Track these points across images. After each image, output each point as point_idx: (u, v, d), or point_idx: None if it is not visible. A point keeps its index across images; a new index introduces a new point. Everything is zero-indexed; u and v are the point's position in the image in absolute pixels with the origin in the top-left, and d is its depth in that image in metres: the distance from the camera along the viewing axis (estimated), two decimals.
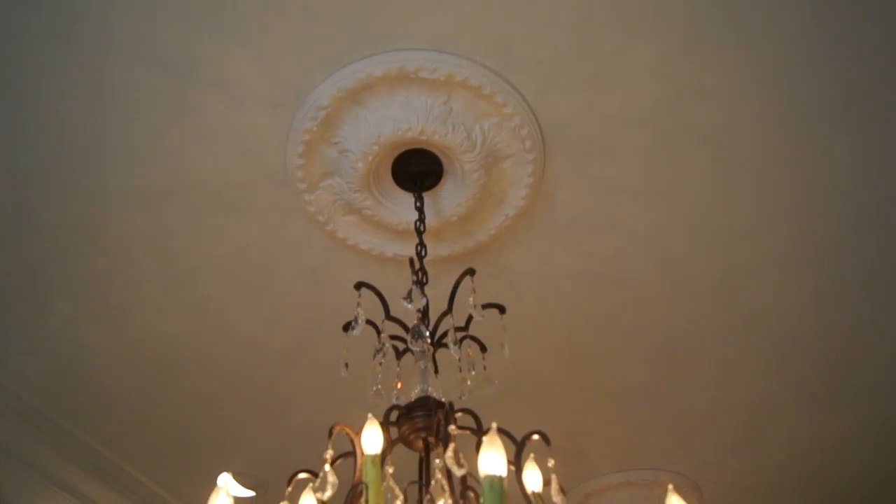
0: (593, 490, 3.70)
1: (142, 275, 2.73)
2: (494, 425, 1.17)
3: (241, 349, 3.03)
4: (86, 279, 2.73)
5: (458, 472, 1.30)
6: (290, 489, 1.54)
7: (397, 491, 1.43)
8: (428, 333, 1.76)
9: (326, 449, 1.42)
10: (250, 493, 3.69)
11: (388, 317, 1.85)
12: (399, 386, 1.81)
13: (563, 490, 1.51)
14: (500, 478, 1.06)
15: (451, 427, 1.33)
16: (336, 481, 1.37)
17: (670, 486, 1.41)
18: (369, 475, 1.33)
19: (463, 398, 1.77)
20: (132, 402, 3.26)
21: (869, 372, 3.27)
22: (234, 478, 3.55)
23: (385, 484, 1.44)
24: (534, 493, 1.46)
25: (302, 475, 1.57)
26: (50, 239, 2.57)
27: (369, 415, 1.45)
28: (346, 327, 1.88)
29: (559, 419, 3.38)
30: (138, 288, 2.78)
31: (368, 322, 1.86)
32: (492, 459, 1.08)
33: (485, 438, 1.11)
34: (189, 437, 3.43)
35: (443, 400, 1.66)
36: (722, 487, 3.86)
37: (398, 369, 1.88)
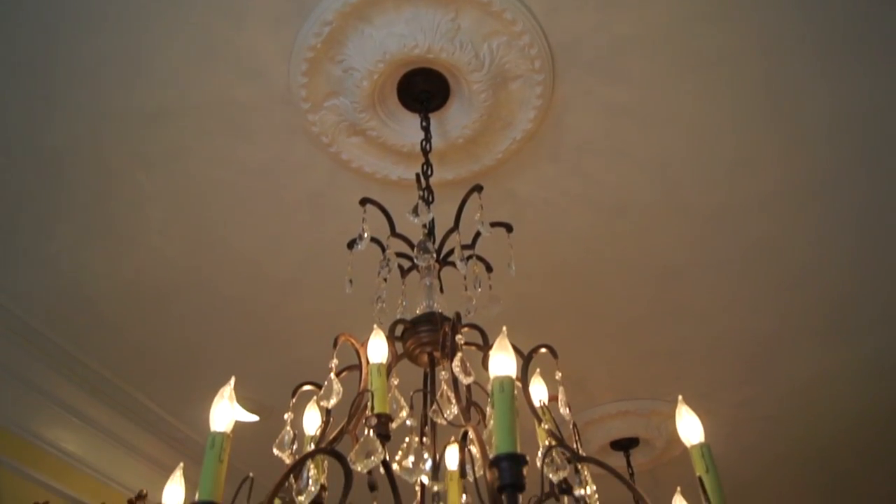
0: (592, 419, 3.73)
1: (143, 198, 2.69)
2: (504, 329, 1.16)
3: (244, 274, 3.02)
4: (86, 202, 2.69)
5: (466, 381, 1.29)
6: (294, 401, 1.53)
7: (402, 401, 1.43)
8: (434, 249, 1.74)
9: (331, 359, 1.41)
10: (254, 418, 3.72)
11: (394, 233, 1.83)
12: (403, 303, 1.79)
13: (569, 405, 1.50)
14: (511, 379, 1.05)
15: (458, 336, 1.31)
16: (340, 390, 1.37)
17: (680, 398, 1.39)
18: (374, 383, 1.32)
19: (469, 315, 1.76)
20: (135, 326, 3.26)
21: (873, 305, 3.27)
22: (238, 401, 3.58)
23: (390, 395, 1.43)
24: (541, 406, 1.45)
25: (307, 387, 1.56)
26: (49, 162, 2.53)
27: (374, 325, 1.44)
28: (351, 244, 1.86)
29: (559, 348, 3.32)
30: (139, 211, 2.75)
31: (373, 240, 1.83)
32: (501, 361, 1.07)
33: (495, 342, 1.10)
34: (192, 362, 3.44)
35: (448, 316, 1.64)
36: (721, 420, 3.89)
37: (403, 287, 1.86)
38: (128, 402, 3.64)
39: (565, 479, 1.26)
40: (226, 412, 1.24)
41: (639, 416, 3.70)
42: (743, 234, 2.90)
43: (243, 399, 3.60)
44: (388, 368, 1.63)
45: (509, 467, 0.94)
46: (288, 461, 1.40)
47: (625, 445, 3.87)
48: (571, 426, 1.46)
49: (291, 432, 1.46)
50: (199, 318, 3.23)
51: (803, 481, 4.50)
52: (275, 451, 1.44)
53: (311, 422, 1.57)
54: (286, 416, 1.51)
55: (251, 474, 1.10)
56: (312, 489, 1.25)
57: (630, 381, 3.64)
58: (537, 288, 3.11)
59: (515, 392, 1.04)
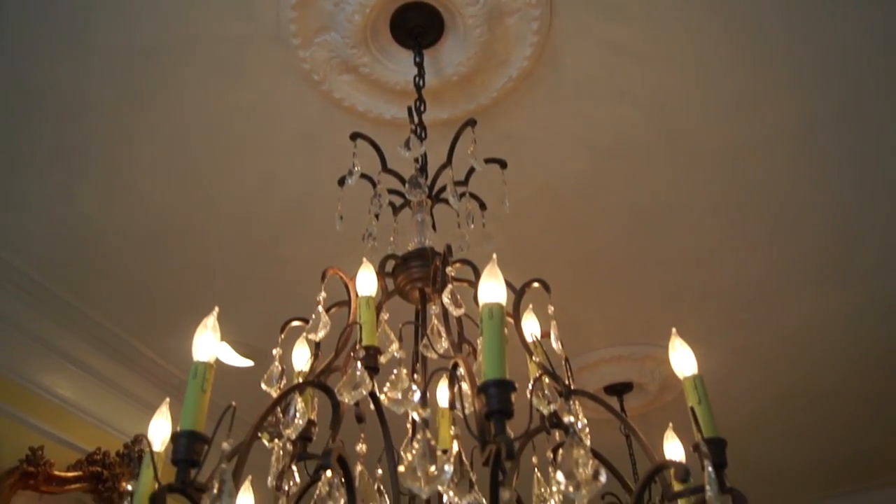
0: (586, 364, 3.73)
1: (132, 138, 2.64)
2: (494, 256, 1.12)
3: (235, 216, 2.98)
4: (74, 144, 2.64)
5: (456, 313, 1.26)
6: (282, 336, 1.51)
7: (392, 336, 1.40)
8: (425, 185, 1.70)
9: (319, 292, 1.38)
10: (249, 363, 3.71)
11: (385, 169, 1.79)
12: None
13: (560, 340, 1.48)
14: (500, 305, 1.02)
15: (448, 269, 1.28)
16: (328, 322, 1.34)
17: (673, 330, 1.36)
18: (363, 316, 1.30)
19: (462, 252, 1.73)
20: (128, 270, 3.23)
21: (869, 250, 3.24)
22: (232, 346, 3.57)
23: (380, 329, 1.40)
24: (534, 341, 1.43)
25: (296, 323, 1.54)
26: (36, 103, 2.47)
27: (363, 259, 1.41)
28: (342, 181, 1.82)
29: (554, 292, 3.34)
30: (129, 152, 2.70)
31: (364, 176, 1.79)
32: (491, 289, 1.04)
33: (485, 270, 1.06)
34: (187, 307, 3.42)
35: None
36: (716, 365, 3.89)
37: (395, 225, 1.83)
38: (122, 347, 3.63)
39: (555, 413, 1.25)
40: (208, 342, 1.21)
41: (633, 361, 3.70)
42: (740, 176, 2.86)
43: (238, 344, 3.60)
44: (380, 305, 1.61)
45: (497, 393, 0.91)
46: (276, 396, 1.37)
47: (619, 390, 3.88)
48: (563, 361, 1.43)
49: (280, 368, 1.44)
50: (192, 263, 3.20)
51: (799, 427, 4.53)
52: (263, 386, 1.42)
53: (300, 357, 1.54)
54: (275, 351, 1.48)
55: (233, 403, 1.08)
56: (299, 423, 1.23)
57: (624, 326, 3.63)
58: (532, 231, 3.07)
59: (505, 322, 1.01)
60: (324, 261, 3.06)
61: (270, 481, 1.33)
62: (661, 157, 2.77)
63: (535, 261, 3.19)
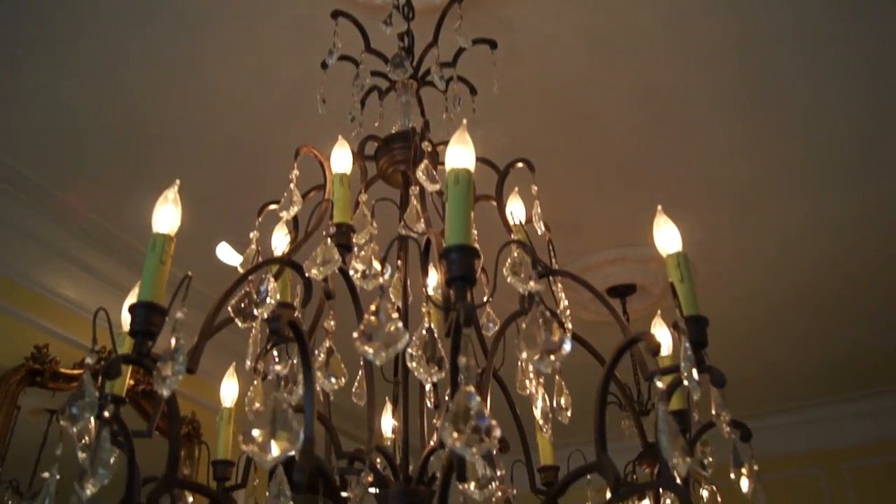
0: (588, 265, 3.69)
1: (116, 29, 2.54)
2: (465, 121, 1.06)
3: (226, 111, 2.90)
4: (56, 35, 2.55)
5: (431, 188, 1.21)
6: (259, 220, 1.46)
7: (370, 217, 1.35)
8: (410, 66, 1.62)
9: (292, 170, 1.33)
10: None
11: (368, 49, 1.70)
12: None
13: (547, 226, 1.43)
14: (467, 171, 0.96)
15: (425, 143, 1.22)
16: (300, 200, 1.29)
17: (659, 207, 1.31)
18: (336, 193, 1.24)
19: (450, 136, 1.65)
20: (121, 168, 3.18)
21: (874, 154, 3.14)
22: (233, 246, 3.55)
23: (358, 211, 1.36)
24: (517, 224, 1.38)
25: (273, 206, 1.49)
26: None
27: (339, 136, 1.34)
28: (324, 64, 1.74)
29: (555, 192, 3.29)
30: (113, 43, 2.61)
31: (346, 58, 1.71)
32: (458, 154, 0.98)
33: (454, 135, 1.00)
34: (183, 205, 3.37)
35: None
36: (718, 267, 3.84)
37: (381, 109, 1.76)
38: (120, 246, 3.62)
39: (534, 293, 1.21)
40: (169, 214, 1.17)
41: (636, 262, 3.64)
42: (748, 72, 2.74)
43: (238, 245, 3.57)
44: (368, 185, 1.56)
45: (459, 259, 0.86)
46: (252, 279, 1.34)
47: (621, 292, 3.85)
48: (547, 243, 1.38)
49: (256, 250, 1.40)
50: (184, 161, 3.14)
51: (802, 332, 4.51)
52: (239, 269, 1.38)
53: (280, 241, 1.50)
54: (252, 234, 1.44)
55: (189, 273, 1.04)
56: (270, 301, 1.20)
57: (628, 226, 3.56)
58: (532, 127, 2.98)
59: (472, 188, 0.96)
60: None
61: (249, 364, 1.31)
62: (665, 48, 2.65)
63: (534, 157, 3.08)
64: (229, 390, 1.58)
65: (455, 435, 0.73)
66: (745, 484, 0.98)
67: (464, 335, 0.81)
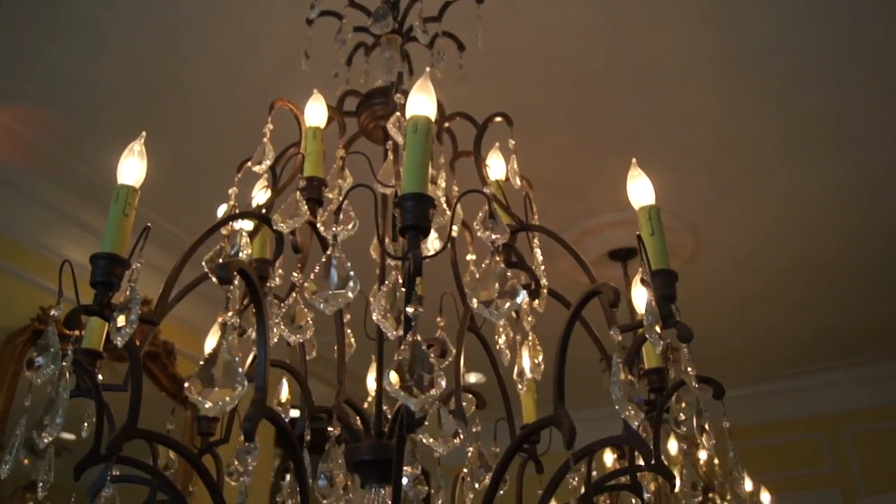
0: (589, 228, 3.66)
1: None
2: (427, 69, 1.04)
3: (223, 75, 2.88)
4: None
5: (403, 141, 1.19)
6: (239, 176, 1.45)
7: (348, 173, 1.34)
8: (395, 19, 1.59)
9: (266, 124, 1.31)
10: (248, 226, 3.69)
11: (352, 3, 1.68)
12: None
13: (525, 180, 1.41)
14: (427, 119, 0.94)
15: (398, 96, 1.20)
16: (273, 153, 1.28)
17: (633, 161, 1.29)
18: (308, 147, 1.23)
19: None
20: (123, 134, 3.17)
21: (879, 118, 3.08)
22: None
23: (335, 166, 1.35)
24: (496, 180, 1.36)
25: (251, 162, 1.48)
26: None
27: (314, 90, 1.33)
28: (309, 20, 1.72)
29: (556, 154, 3.26)
30: (108, 9, 2.59)
31: (328, 13, 1.69)
32: (418, 101, 0.96)
33: (417, 82, 0.98)
34: (184, 171, 3.38)
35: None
36: (719, 231, 3.81)
37: (367, 65, 1.73)
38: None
39: (505, 245, 1.20)
40: (134, 166, 1.16)
41: (636, 226, 3.59)
42: (752, 33, 2.68)
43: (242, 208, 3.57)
44: (349, 142, 1.55)
45: (413, 207, 0.85)
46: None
47: (622, 256, 3.81)
48: (524, 197, 1.36)
49: (234, 205, 1.39)
50: (183, 127, 3.13)
51: (801, 297, 4.47)
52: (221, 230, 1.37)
53: (259, 198, 1.49)
54: (230, 191, 1.43)
55: (149, 224, 1.04)
56: (243, 256, 1.19)
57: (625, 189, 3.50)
58: (532, 89, 2.94)
59: (432, 138, 0.94)
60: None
61: (219, 320, 1.31)
62: (667, 10, 2.59)
63: (533, 119, 3.07)
64: (212, 345, 1.58)
65: (397, 383, 0.72)
66: (705, 441, 0.96)
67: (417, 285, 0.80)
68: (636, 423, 0.81)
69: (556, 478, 1.00)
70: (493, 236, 1.00)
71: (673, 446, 3.37)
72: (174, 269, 1.04)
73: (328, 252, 0.83)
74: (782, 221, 3.73)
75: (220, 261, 1.20)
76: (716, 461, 3.53)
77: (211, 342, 1.62)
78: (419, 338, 0.79)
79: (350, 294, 0.81)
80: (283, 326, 1.03)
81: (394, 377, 0.72)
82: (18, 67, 2.82)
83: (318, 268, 0.82)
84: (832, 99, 2.99)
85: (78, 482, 1.00)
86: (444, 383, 0.73)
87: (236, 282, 1.30)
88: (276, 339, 1.09)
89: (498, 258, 0.83)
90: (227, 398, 0.74)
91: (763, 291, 4.37)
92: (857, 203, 3.62)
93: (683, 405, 1.20)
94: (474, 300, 0.80)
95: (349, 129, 1.55)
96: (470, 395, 1.36)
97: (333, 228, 0.88)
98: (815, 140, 3.21)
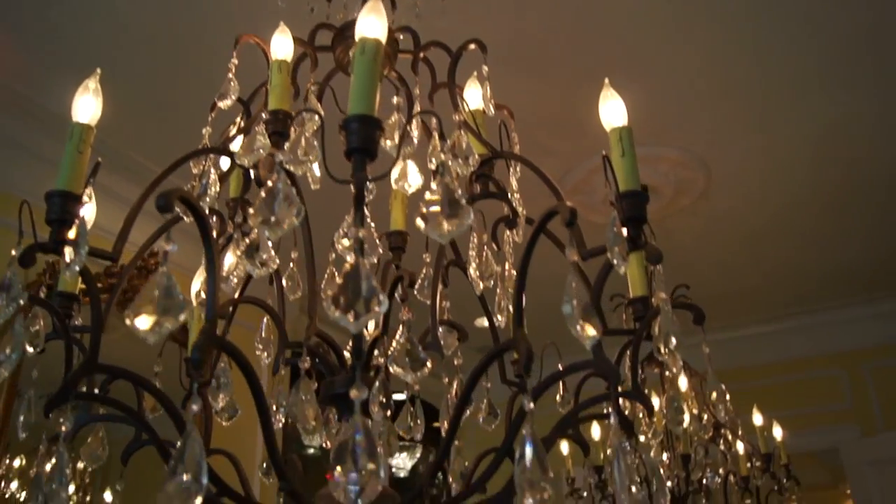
0: (596, 167, 3.59)
1: None
2: None
3: (225, 29, 2.85)
4: None
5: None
6: (213, 115, 1.43)
7: (319, 108, 1.32)
8: None
9: (231, 59, 1.29)
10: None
11: None
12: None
13: (506, 109, 1.38)
14: (377, 41, 0.91)
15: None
16: (237, 89, 1.26)
17: (606, 81, 1.25)
18: (273, 80, 1.20)
19: (414, 23, 1.59)
20: (120, 83, 3.16)
21: (893, 54, 2.97)
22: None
23: (307, 102, 1.32)
24: (471, 111, 1.33)
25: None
26: None
27: (280, 22, 1.30)
28: None
29: (561, 90, 3.18)
30: None
31: None
32: (367, 22, 0.92)
33: (366, 5, 0.95)
34: (188, 123, 3.34)
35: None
36: (731, 167, 3.73)
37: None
38: (128, 163, 3.63)
39: (481, 175, 1.17)
40: (88, 104, 1.15)
41: (645, 162, 3.53)
42: None
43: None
44: (327, 79, 1.52)
45: (359, 129, 0.82)
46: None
47: None
48: (499, 125, 1.33)
49: (206, 143, 1.38)
50: (187, 75, 3.10)
51: (810, 232, 4.39)
52: (193, 169, 1.36)
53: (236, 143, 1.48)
54: (204, 130, 1.42)
55: (99, 159, 1.03)
56: (212, 192, 1.18)
57: (636, 125, 3.41)
58: (533, 24, 2.85)
59: (381, 61, 0.91)
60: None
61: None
62: None
63: (534, 57, 3.00)
64: (198, 287, 1.58)
65: (336, 304, 0.70)
66: (675, 367, 0.95)
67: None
68: (588, 344, 0.79)
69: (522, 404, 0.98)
70: (441, 157, 0.97)
71: (683, 382, 3.36)
72: (133, 209, 1.03)
73: (273, 177, 0.81)
74: (796, 155, 3.65)
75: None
76: (727, 397, 3.52)
77: (198, 283, 1.62)
78: (368, 263, 0.77)
79: (294, 219, 0.79)
80: (244, 260, 1.02)
81: (334, 298, 0.71)
82: (16, 22, 2.80)
83: (262, 194, 0.80)
84: (845, 32, 2.89)
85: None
86: (384, 306, 0.71)
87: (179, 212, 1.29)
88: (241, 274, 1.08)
89: (444, 179, 0.80)
90: (164, 323, 0.73)
91: (769, 226, 4.29)
92: (868, 139, 3.53)
93: (669, 336, 1.18)
94: (418, 219, 0.78)
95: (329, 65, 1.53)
96: (453, 330, 1.35)
97: (279, 155, 0.86)
98: (825, 76, 3.12)
